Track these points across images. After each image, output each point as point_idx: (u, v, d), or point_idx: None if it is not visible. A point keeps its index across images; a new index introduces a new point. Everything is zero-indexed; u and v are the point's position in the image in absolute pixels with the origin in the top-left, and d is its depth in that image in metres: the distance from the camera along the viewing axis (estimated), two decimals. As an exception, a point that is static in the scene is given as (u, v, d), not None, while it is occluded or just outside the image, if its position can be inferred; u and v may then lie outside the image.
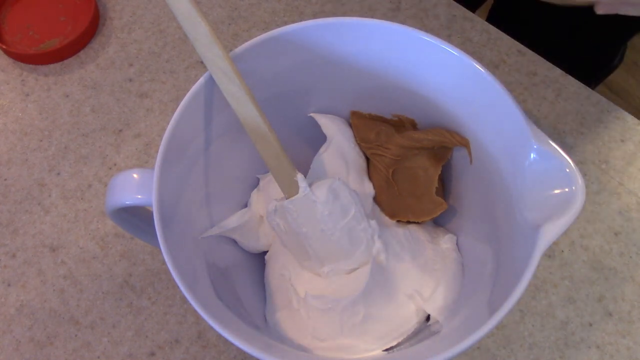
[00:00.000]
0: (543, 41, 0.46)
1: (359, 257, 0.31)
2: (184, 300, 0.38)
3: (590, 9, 0.54)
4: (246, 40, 0.29)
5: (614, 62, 0.64)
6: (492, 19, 0.46)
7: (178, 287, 0.25)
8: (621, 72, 0.66)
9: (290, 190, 0.30)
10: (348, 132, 0.35)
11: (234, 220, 0.33)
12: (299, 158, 0.31)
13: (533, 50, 0.45)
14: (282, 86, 0.32)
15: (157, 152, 0.28)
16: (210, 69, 0.28)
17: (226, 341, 0.33)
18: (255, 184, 0.36)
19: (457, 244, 0.33)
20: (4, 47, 0.45)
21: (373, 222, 0.31)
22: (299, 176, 0.29)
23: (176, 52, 0.46)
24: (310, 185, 0.30)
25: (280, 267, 0.33)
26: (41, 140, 0.43)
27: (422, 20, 0.46)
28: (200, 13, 0.27)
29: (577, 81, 0.43)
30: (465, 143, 0.31)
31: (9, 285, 0.39)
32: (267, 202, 0.34)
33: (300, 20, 0.30)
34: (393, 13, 0.47)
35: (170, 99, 0.44)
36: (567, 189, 0.25)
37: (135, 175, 0.28)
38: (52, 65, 0.46)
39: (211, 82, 0.29)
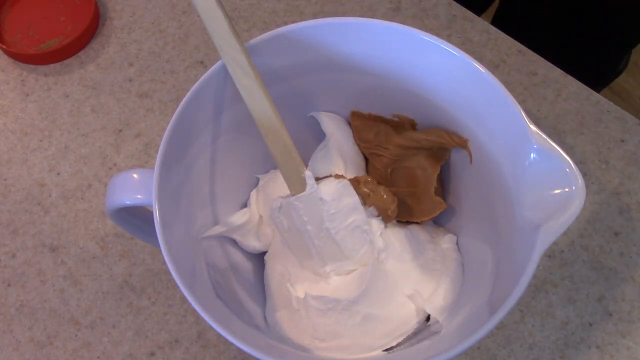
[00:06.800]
0: (548, 48, 0.46)
1: (362, 258, 0.31)
2: (184, 300, 0.38)
3: (595, 19, 0.54)
4: (246, 41, 0.29)
5: (618, 67, 0.64)
6: (496, 24, 0.47)
7: (178, 287, 0.25)
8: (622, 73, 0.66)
9: (297, 186, 0.30)
10: (347, 131, 0.35)
11: (233, 220, 0.33)
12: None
13: (538, 55, 0.45)
14: (283, 85, 0.32)
15: (157, 152, 0.28)
16: (226, 61, 0.28)
17: (226, 341, 0.33)
18: (255, 184, 0.36)
19: (457, 244, 0.33)
20: (4, 47, 0.45)
21: (374, 222, 0.31)
22: (307, 173, 0.29)
23: (176, 52, 0.46)
24: (317, 182, 0.30)
25: (279, 267, 0.33)
26: (41, 140, 0.43)
27: (422, 20, 0.46)
28: (220, 4, 0.27)
29: (577, 81, 0.43)
30: (463, 144, 0.31)
31: (9, 285, 0.39)
32: (266, 202, 0.34)
33: (301, 20, 0.30)
34: (393, 13, 0.47)
35: (170, 99, 0.44)
36: (567, 189, 0.25)
37: (135, 175, 0.28)
38: (52, 65, 0.46)
39: (210, 83, 0.29)
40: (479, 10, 0.62)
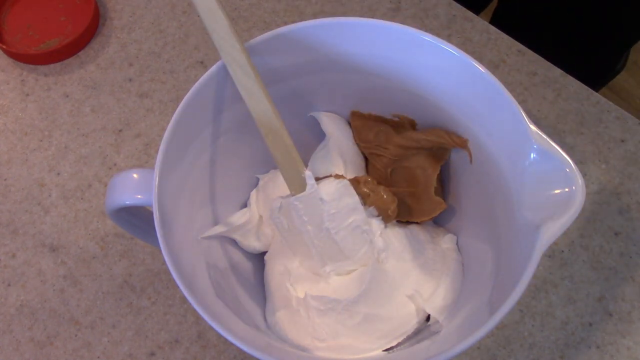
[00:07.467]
0: (546, 47, 0.46)
1: (362, 258, 0.31)
2: (184, 300, 0.38)
3: (594, 18, 0.54)
4: (246, 41, 0.29)
5: (617, 67, 0.64)
6: (494, 23, 0.47)
7: (178, 287, 0.25)
8: (621, 72, 0.67)
9: (297, 186, 0.30)
10: (347, 131, 0.35)
11: (233, 220, 0.33)
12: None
13: (535, 53, 0.45)
14: (283, 85, 0.32)
15: (157, 152, 0.28)
16: (227, 61, 0.28)
17: (226, 341, 0.33)
18: (255, 184, 0.36)
19: (457, 244, 0.33)
20: (4, 47, 0.45)
21: (374, 222, 0.31)
22: (307, 173, 0.29)
23: (176, 52, 0.46)
24: (317, 182, 0.30)
25: (279, 267, 0.33)
26: (41, 140, 0.43)
27: (422, 20, 0.46)
28: (220, 5, 0.27)
29: (577, 81, 0.43)
30: (463, 144, 0.31)
31: (9, 285, 0.39)
32: (266, 202, 0.34)
33: (301, 20, 0.30)
34: (393, 13, 0.47)
35: (170, 99, 0.44)
36: (567, 189, 0.25)
37: (135, 175, 0.28)
38: (52, 65, 0.46)
39: (210, 83, 0.29)
40: (477, 9, 0.62)
